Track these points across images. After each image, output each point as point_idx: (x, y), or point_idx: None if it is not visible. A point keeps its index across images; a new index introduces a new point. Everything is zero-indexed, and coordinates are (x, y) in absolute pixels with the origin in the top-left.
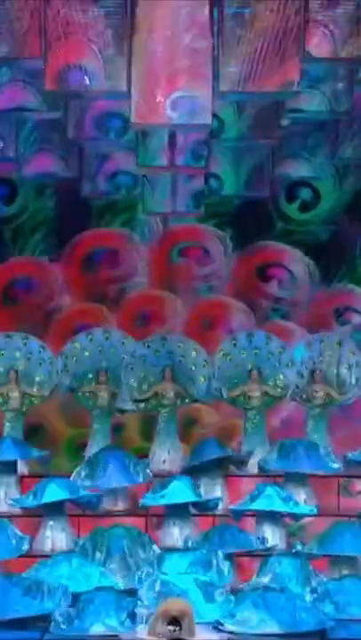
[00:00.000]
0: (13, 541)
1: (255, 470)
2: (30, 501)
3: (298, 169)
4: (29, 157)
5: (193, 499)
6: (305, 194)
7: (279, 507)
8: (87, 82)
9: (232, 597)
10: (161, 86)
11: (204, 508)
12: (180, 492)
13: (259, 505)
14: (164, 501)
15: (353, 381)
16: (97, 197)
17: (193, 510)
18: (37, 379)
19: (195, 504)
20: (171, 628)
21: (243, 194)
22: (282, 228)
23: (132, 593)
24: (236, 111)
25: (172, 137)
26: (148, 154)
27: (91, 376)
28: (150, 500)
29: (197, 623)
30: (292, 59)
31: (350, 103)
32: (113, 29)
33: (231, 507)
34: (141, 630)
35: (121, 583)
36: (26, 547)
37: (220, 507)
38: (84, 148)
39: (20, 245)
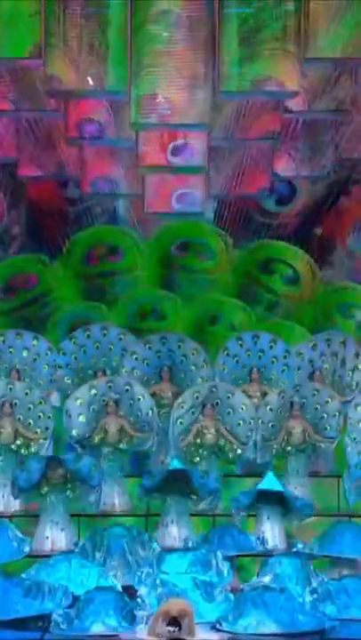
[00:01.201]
0: (14, 544)
1: None
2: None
3: (280, 166)
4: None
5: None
6: (282, 188)
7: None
8: (90, 82)
9: (232, 597)
10: (160, 86)
11: (203, 489)
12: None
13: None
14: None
15: (354, 385)
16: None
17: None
18: (40, 382)
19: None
20: (170, 628)
21: (226, 192)
22: (261, 222)
23: (131, 590)
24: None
25: (171, 137)
26: (146, 154)
27: (91, 373)
28: (149, 482)
29: (197, 623)
30: (292, 59)
31: (331, 102)
32: (105, 30)
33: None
34: (141, 630)
35: (121, 581)
36: (27, 549)
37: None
38: (74, 149)
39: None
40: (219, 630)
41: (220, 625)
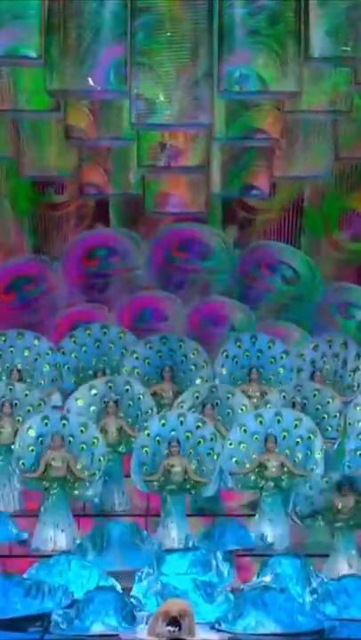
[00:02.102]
0: (14, 531)
1: None
2: None
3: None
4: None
5: None
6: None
7: None
8: (91, 82)
9: (232, 597)
10: (160, 86)
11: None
12: None
13: None
14: None
15: (356, 385)
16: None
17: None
18: (42, 381)
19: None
20: (170, 628)
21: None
22: (244, 216)
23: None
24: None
25: (172, 137)
26: (147, 154)
27: (91, 372)
28: None
29: (197, 623)
30: (293, 59)
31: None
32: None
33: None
34: (141, 630)
35: (120, 577)
36: (26, 536)
37: None
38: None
39: None
40: (219, 630)
41: (220, 625)
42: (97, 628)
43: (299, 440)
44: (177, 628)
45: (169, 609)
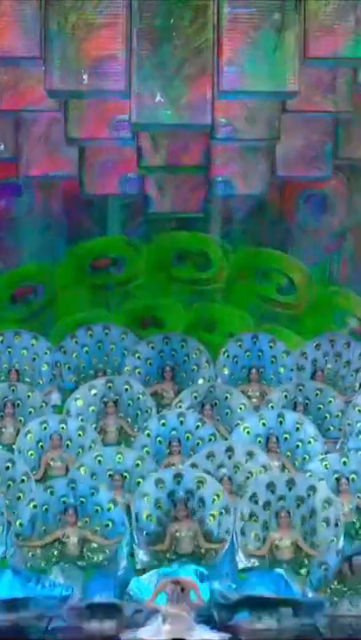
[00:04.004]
0: None
1: None
2: None
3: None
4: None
5: None
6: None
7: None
8: (85, 81)
9: (233, 586)
10: (160, 86)
11: None
12: None
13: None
14: None
15: (357, 385)
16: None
17: None
18: (40, 381)
19: None
20: (173, 586)
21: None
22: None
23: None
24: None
25: (172, 137)
26: (147, 155)
27: (92, 372)
28: None
29: (197, 623)
30: (291, 59)
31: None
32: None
33: None
34: (142, 630)
35: None
36: None
37: None
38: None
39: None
40: (219, 630)
41: (222, 594)
42: (97, 625)
43: (299, 444)
44: (179, 587)
45: (176, 579)
